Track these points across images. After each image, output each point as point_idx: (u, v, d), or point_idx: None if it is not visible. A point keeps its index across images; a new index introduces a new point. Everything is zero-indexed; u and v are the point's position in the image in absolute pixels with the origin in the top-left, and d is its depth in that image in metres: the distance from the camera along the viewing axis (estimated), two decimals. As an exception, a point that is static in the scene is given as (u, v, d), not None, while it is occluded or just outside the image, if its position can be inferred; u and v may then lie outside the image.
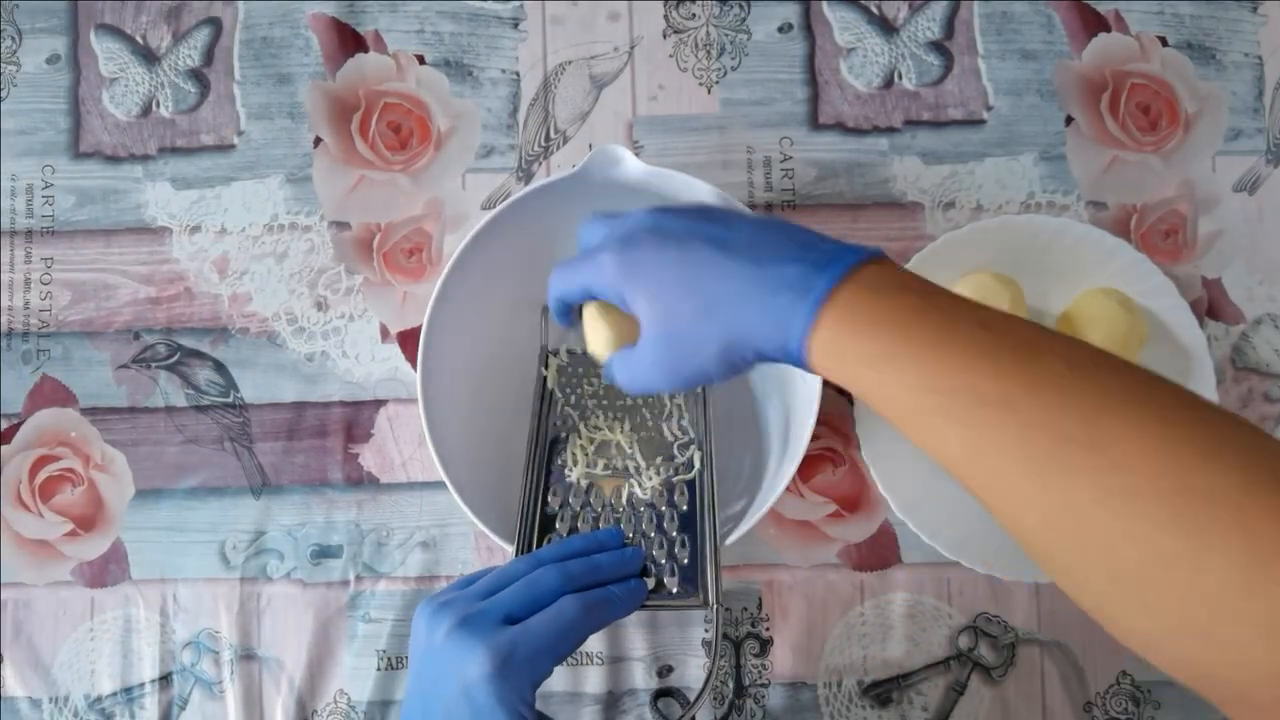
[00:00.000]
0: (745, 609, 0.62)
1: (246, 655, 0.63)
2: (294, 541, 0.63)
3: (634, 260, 0.42)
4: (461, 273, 0.55)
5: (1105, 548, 0.32)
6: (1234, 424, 0.33)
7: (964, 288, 0.60)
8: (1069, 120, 0.66)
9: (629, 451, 0.57)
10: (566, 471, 0.56)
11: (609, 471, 0.56)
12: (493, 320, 0.60)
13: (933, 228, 0.65)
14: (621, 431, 0.58)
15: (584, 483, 0.55)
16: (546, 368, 0.59)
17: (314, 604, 0.63)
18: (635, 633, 0.62)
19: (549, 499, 0.55)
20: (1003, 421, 0.34)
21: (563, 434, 0.57)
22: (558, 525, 0.54)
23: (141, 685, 0.63)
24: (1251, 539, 0.30)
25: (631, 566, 0.50)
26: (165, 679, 0.63)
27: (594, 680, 0.62)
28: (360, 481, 0.64)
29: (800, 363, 0.39)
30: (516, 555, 0.52)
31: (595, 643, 0.62)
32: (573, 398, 0.59)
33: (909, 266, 0.61)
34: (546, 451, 0.56)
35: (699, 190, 0.54)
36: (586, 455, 0.56)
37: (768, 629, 0.62)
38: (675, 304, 0.41)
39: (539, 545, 0.53)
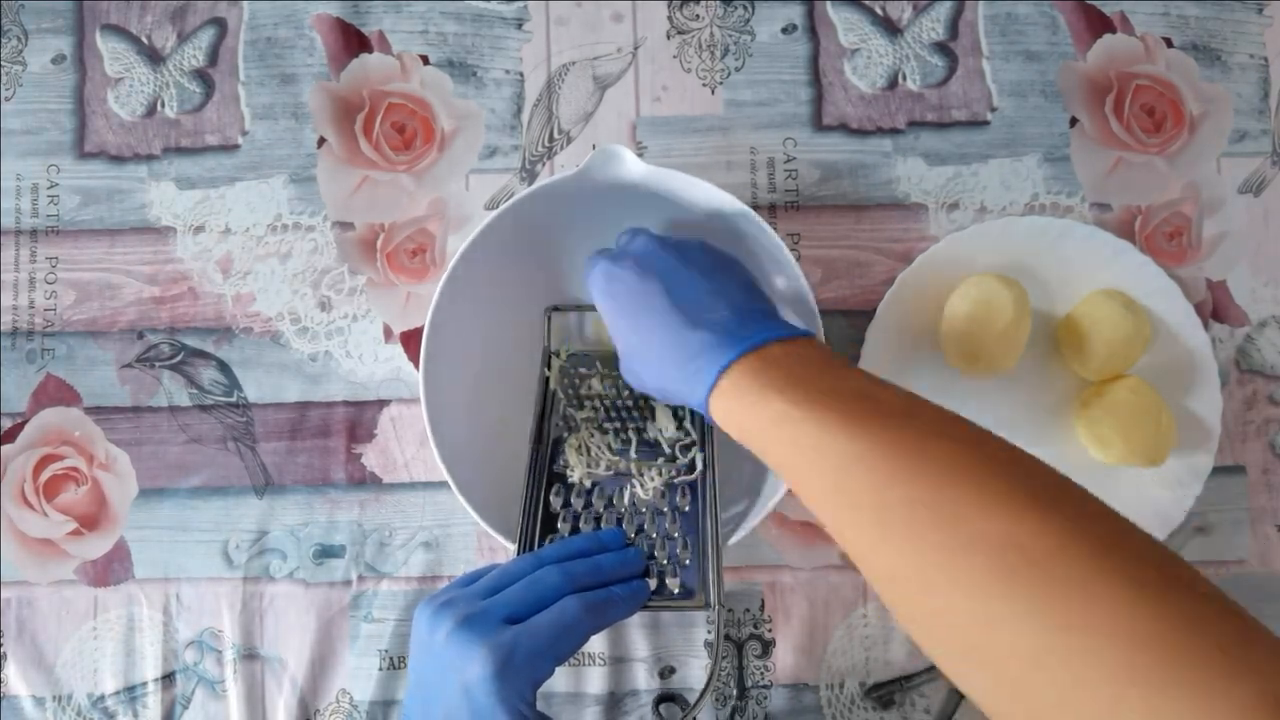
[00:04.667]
0: (747, 610, 0.62)
1: (249, 655, 0.63)
2: (297, 541, 0.63)
3: (612, 278, 0.50)
4: (464, 272, 0.55)
5: (945, 603, 0.35)
6: (1061, 483, 0.36)
7: (968, 289, 0.60)
8: (1073, 121, 0.66)
9: (631, 452, 0.57)
10: (569, 471, 0.56)
11: (611, 472, 0.56)
12: (496, 320, 0.60)
13: (936, 229, 0.65)
14: (624, 432, 0.58)
15: (586, 483, 0.55)
16: (549, 368, 0.59)
17: (316, 604, 0.63)
18: (637, 634, 0.62)
19: (551, 499, 0.55)
20: (857, 480, 0.37)
21: (565, 434, 0.57)
22: (560, 525, 0.54)
23: (144, 684, 0.63)
24: (1056, 600, 0.32)
25: (634, 567, 0.50)
26: (168, 678, 0.63)
27: (596, 681, 0.62)
28: (363, 481, 0.64)
29: (706, 417, 0.46)
30: (518, 555, 0.52)
31: (597, 643, 0.62)
32: (575, 398, 0.59)
33: (912, 269, 0.61)
34: (549, 451, 0.56)
35: (700, 189, 0.54)
36: (589, 455, 0.56)
37: (770, 630, 0.62)
38: (626, 334, 0.49)
39: (541, 545, 0.52)
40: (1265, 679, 0.29)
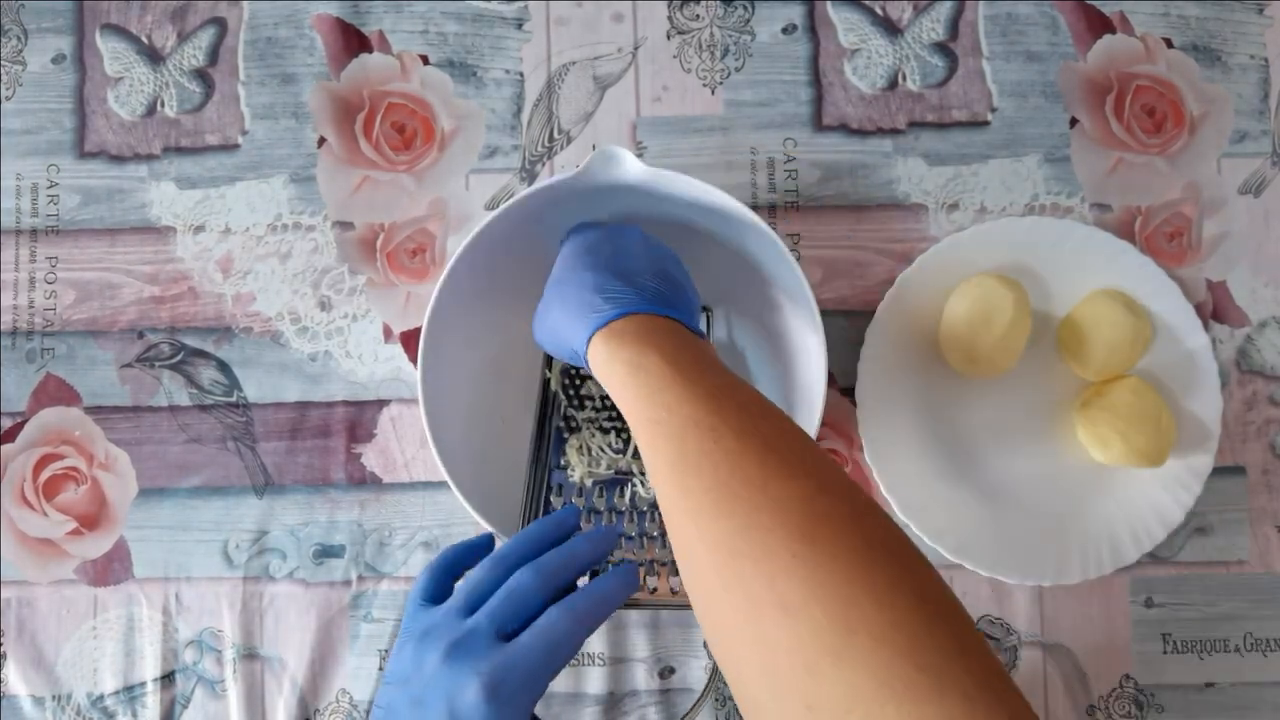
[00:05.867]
0: None
1: (249, 654, 0.63)
2: (297, 541, 0.63)
3: (578, 233, 0.54)
4: (464, 272, 0.55)
5: (746, 582, 0.34)
6: (850, 488, 0.37)
7: (968, 290, 0.60)
8: (1074, 122, 0.65)
9: (632, 451, 0.56)
10: (569, 472, 0.55)
11: (612, 471, 0.55)
12: (495, 320, 0.60)
13: (936, 229, 0.65)
14: (625, 431, 0.57)
15: (588, 482, 0.55)
16: (550, 369, 0.59)
17: (316, 603, 0.63)
18: (637, 634, 0.62)
19: (552, 499, 0.54)
20: (701, 449, 0.38)
21: (566, 434, 0.57)
22: None
23: (144, 684, 0.63)
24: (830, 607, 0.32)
25: (608, 543, 0.46)
26: (168, 678, 0.63)
27: (595, 681, 0.62)
28: (363, 481, 0.64)
29: (582, 361, 0.47)
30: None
31: (596, 644, 0.62)
32: (576, 398, 0.58)
33: (912, 269, 0.61)
34: (549, 452, 0.56)
35: (698, 190, 0.54)
36: (590, 455, 0.56)
37: None
38: (553, 280, 0.51)
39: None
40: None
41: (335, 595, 0.63)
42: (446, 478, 0.54)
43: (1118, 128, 0.65)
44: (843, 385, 0.63)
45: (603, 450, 0.57)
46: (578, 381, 0.59)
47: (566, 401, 0.58)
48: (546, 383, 0.59)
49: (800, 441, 0.40)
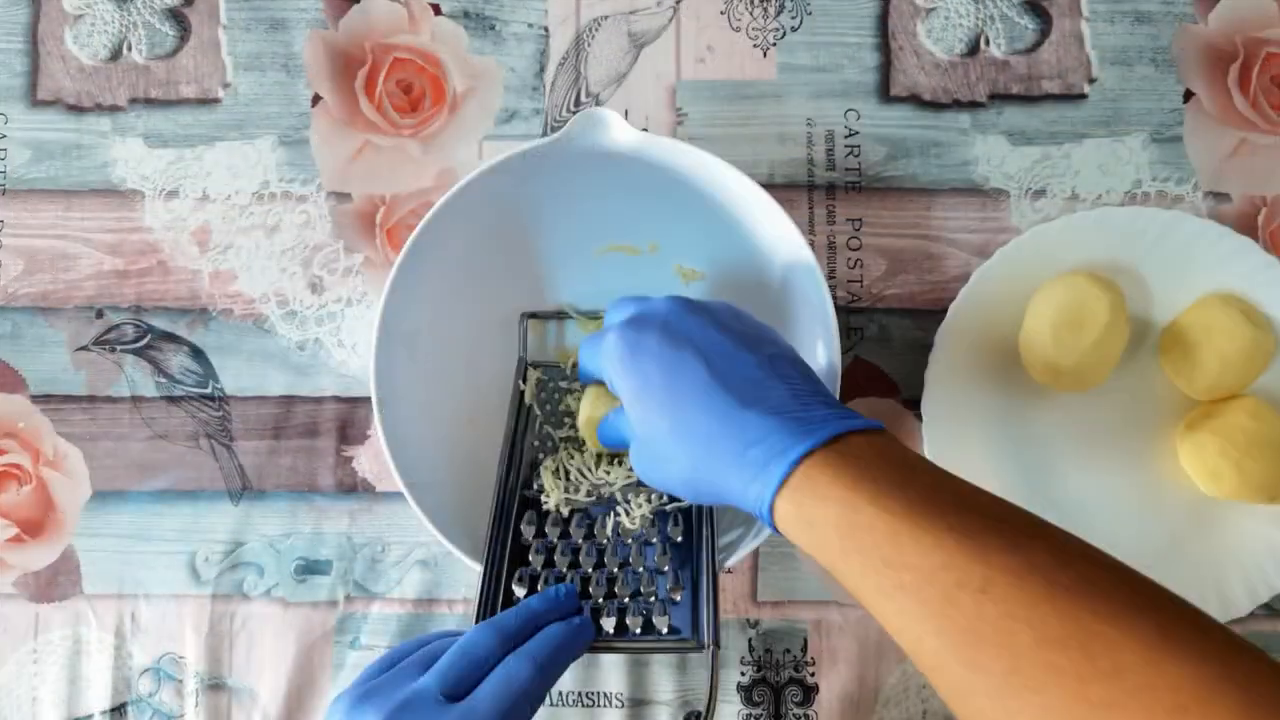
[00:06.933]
0: (788, 651, 0.59)
1: (214, 684, 0.59)
2: (276, 555, 0.60)
3: (636, 350, 0.44)
4: (428, 246, 0.53)
5: None
6: (1239, 648, 0.31)
7: (1055, 290, 0.56)
8: (1188, 96, 0.62)
9: (615, 476, 0.54)
10: (544, 498, 0.53)
11: (593, 498, 0.53)
12: (470, 306, 0.58)
13: (1019, 219, 0.61)
14: (608, 455, 0.55)
15: (564, 510, 0.53)
16: (525, 379, 0.57)
17: (296, 627, 0.59)
18: (661, 673, 0.59)
19: (523, 528, 0.52)
20: (980, 611, 0.33)
21: (541, 455, 0.55)
22: (532, 558, 0.51)
23: (90, 716, 0.59)
24: None
25: (569, 603, 0.47)
26: (118, 710, 0.59)
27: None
28: (354, 489, 0.60)
29: (765, 519, 0.40)
30: (484, 586, 0.49)
31: (615, 683, 0.59)
32: (554, 413, 0.56)
33: (991, 264, 0.58)
34: (519, 475, 0.54)
35: (698, 161, 0.52)
36: (567, 479, 0.54)
37: (813, 675, 0.59)
38: (652, 418, 0.43)
39: (510, 580, 0.50)
40: None
41: (318, 618, 0.59)
42: (403, 490, 0.52)
43: (1242, 103, 0.62)
44: (906, 396, 0.60)
45: (582, 475, 0.54)
46: (556, 396, 0.57)
47: (543, 417, 0.56)
48: (521, 394, 0.56)
49: (1108, 564, 0.34)
